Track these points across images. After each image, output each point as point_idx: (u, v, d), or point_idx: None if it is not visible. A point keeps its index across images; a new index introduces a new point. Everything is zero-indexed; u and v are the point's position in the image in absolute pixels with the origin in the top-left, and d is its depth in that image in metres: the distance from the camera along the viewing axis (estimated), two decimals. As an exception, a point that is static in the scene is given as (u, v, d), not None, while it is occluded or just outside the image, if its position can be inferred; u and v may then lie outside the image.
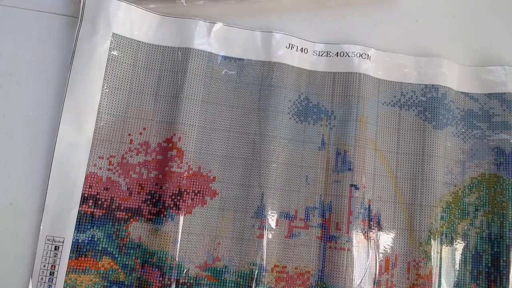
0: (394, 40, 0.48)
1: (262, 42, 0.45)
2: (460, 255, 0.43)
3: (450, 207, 0.44)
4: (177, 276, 0.40)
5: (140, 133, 0.42)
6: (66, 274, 0.39)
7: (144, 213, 0.41)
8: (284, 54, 0.44)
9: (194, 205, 0.41)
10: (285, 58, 0.44)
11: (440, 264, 0.42)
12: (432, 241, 0.42)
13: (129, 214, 0.41)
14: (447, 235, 0.43)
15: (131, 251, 0.40)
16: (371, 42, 0.46)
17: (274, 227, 0.41)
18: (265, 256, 0.40)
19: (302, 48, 0.45)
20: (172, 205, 0.40)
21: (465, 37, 0.49)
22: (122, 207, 0.41)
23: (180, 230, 0.40)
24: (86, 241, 0.40)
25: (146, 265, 0.40)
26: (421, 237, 0.42)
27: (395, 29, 0.48)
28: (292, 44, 0.45)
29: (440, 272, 0.42)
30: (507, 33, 0.49)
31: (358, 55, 0.45)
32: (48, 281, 0.39)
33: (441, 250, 0.43)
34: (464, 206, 0.44)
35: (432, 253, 0.42)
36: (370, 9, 0.48)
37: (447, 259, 0.43)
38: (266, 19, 0.47)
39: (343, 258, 0.41)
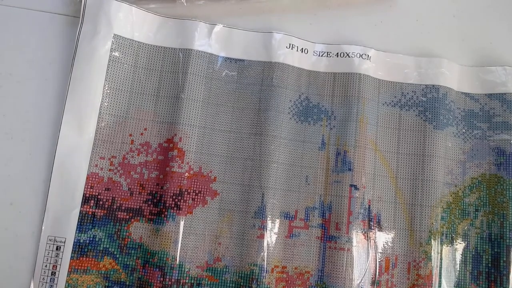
0: (394, 40, 0.48)
1: (262, 43, 0.45)
2: (461, 255, 0.43)
3: (451, 207, 0.44)
4: (178, 276, 0.40)
5: (141, 134, 0.42)
6: (67, 274, 0.39)
7: (145, 213, 0.41)
8: (285, 54, 0.44)
9: (195, 205, 0.41)
10: (285, 58, 0.44)
11: (441, 265, 0.42)
12: (433, 241, 0.42)
13: (130, 214, 0.41)
14: (448, 235, 0.43)
15: (132, 251, 0.40)
16: (371, 42, 0.46)
17: (274, 227, 0.42)
18: (265, 256, 0.41)
19: (302, 49, 0.45)
20: (173, 205, 0.41)
21: (465, 37, 0.49)
22: (123, 207, 0.41)
23: (181, 230, 0.40)
24: (87, 241, 0.40)
25: (147, 265, 0.40)
26: (421, 237, 0.42)
27: (395, 29, 0.48)
28: (292, 44, 0.45)
29: (440, 273, 0.42)
30: (507, 33, 0.49)
31: (358, 55, 0.45)
32: (50, 281, 0.39)
33: (441, 250, 0.43)
34: (464, 206, 0.44)
35: (432, 253, 0.42)
36: (370, 9, 0.48)
37: (448, 260, 0.43)
38: (266, 19, 0.47)
39: (343, 258, 0.41)
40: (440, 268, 0.42)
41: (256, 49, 0.45)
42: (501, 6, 0.50)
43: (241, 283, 0.40)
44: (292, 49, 0.45)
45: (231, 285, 0.41)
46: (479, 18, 0.49)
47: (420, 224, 0.43)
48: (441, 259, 0.42)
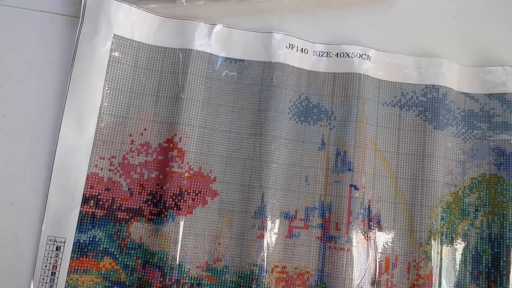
0: (394, 40, 0.48)
1: (262, 43, 0.45)
2: (460, 256, 0.43)
3: (451, 208, 0.44)
4: (178, 276, 0.40)
5: (141, 134, 0.42)
6: (67, 274, 0.39)
7: (145, 213, 0.41)
8: (285, 54, 0.44)
9: (194, 205, 0.41)
10: (285, 58, 0.44)
11: (441, 265, 0.42)
12: (433, 242, 0.42)
13: (130, 215, 0.41)
14: (447, 235, 0.43)
15: (132, 252, 0.40)
16: (371, 42, 0.46)
17: (274, 227, 0.42)
18: (265, 256, 0.41)
19: (302, 49, 0.45)
20: (173, 205, 0.41)
21: (465, 37, 0.49)
22: (123, 208, 0.41)
23: (181, 230, 0.40)
24: (87, 242, 0.40)
25: (147, 265, 0.40)
26: (421, 238, 0.42)
27: (395, 29, 0.48)
28: (292, 44, 0.45)
29: (440, 273, 0.42)
30: (507, 33, 0.49)
31: (358, 55, 0.45)
32: (50, 281, 0.39)
33: (441, 250, 0.43)
34: (464, 207, 0.44)
35: (432, 253, 0.42)
36: (370, 9, 0.48)
37: (448, 260, 0.43)
38: (266, 19, 0.47)
39: (343, 258, 0.41)
40: (440, 268, 0.42)
41: (256, 49, 0.45)
42: (501, 6, 0.50)
43: (241, 283, 0.40)
44: (292, 49, 0.45)
45: (231, 285, 0.41)
46: (479, 18, 0.49)
47: (420, 224, 0.43)
48: (441, 259, 0.42)
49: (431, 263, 0.42)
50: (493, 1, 0.50)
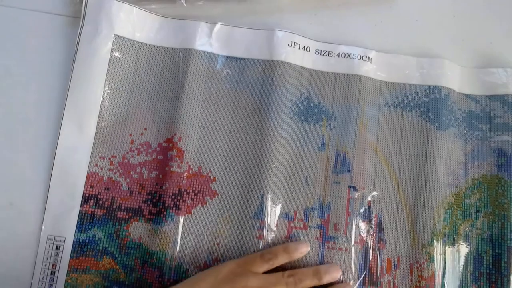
0: (394, 40, 0.47)
1: (264, 41, 0.44)
2: (462, 257, 0.43)
3: (452, 209, 0.44)
4: (176, 276, 0.40)
5: (141, 133, 0.42)
6: (67, 273, 0.39)
7: (144, 213, 0.41)
8: (287, 52, 0.44)
9: (194, 205, 0.41)
10: (287, 56, 0.44)
11: (443, 266, 0.42)
12: (435, 243, 0.42)
13: (130, 214, 0.41)
14: (449, 236, 0.43)
15: (132, 251, 0.40)
16: (371, 42, 0.46)
17: (273, 228, 0.41)
18: (264, 256, 0.40)
19: (304, 47, 0.45)
20: (172, 205, 0.41)
21: (465, 37, 0.48)
22: (122, 207, 0.41)
23: (180, 230, 0.40)
24: (87, 241, 0.40)
25: (146, 265, 0.40)
26: (424, 239, 0.42)
27: (395, 29, 0.48)
28: (294, 42, 0.45)
29: (443, 274, 0.42)
30: (507, 33, 0.49)
31: (359, 57, 0.45)
32: (49, 281, 0.39)
33: (444, 251, 0.42)
34: (465, 208, 0.44)
35: (435, 255, 0.42)
36: (370, 9, 0.48)
37: (450, 261, 0.43)
38: (266, 19, 0.47)
39: (341, 258, 0.41)
40: (444, 269, 0.42)
41: (258, 47, 0.44)
42: (501, 6, 0.49)
43: (240, 283, 0.40)
44: (294, 47, 0.45)
45: (230, 285, 0.40)
46: (479, 18, 0.49)
47: (423, 225, 0.42)
48: (443, 260, 0.42)
49: (434, 264, 0.42)
50: (493, 1, 0.50)
